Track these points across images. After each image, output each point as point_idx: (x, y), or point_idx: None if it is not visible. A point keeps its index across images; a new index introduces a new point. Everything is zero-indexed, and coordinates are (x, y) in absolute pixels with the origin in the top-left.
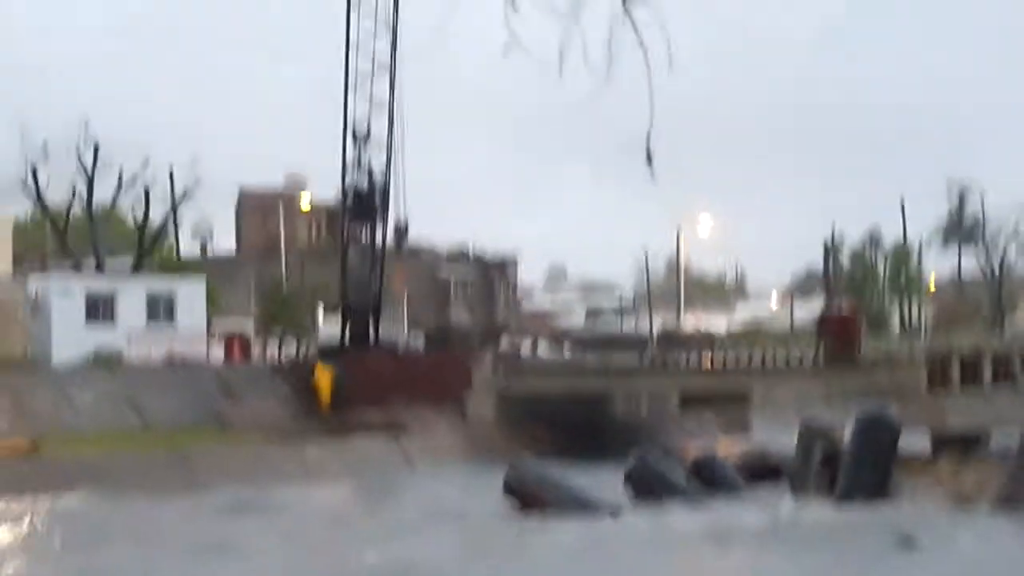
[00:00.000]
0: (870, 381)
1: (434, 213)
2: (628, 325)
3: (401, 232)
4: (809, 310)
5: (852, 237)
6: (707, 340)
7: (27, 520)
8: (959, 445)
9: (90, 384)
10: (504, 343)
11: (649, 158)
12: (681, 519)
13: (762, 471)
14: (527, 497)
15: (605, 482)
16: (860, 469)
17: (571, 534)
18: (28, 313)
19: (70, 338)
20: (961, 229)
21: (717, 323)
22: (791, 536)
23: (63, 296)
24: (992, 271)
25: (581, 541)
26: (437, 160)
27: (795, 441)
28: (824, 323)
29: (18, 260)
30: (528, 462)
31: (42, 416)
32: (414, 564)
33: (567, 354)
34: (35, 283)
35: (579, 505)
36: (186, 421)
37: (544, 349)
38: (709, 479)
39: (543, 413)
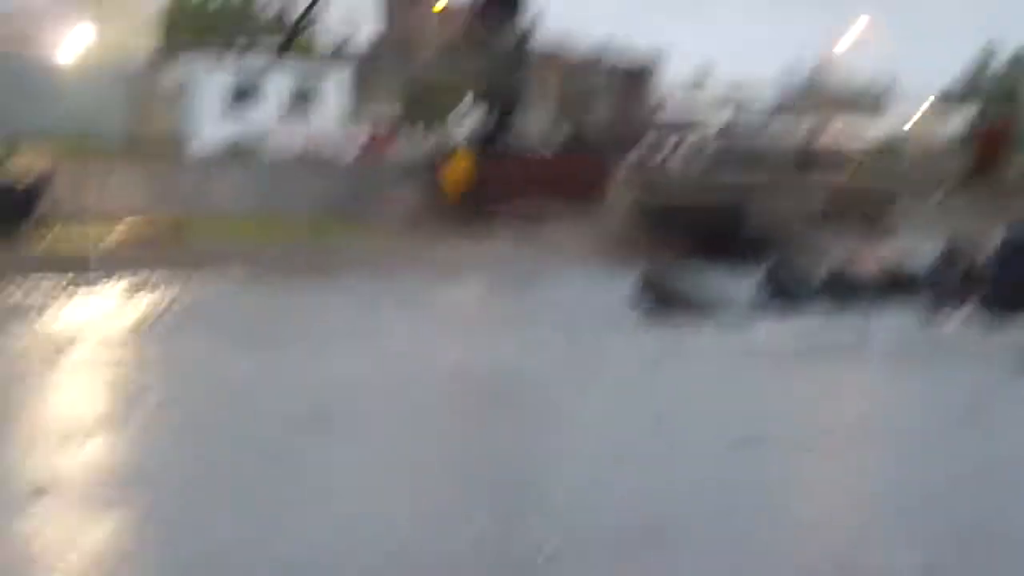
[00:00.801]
0: (1016, 200)
1: (573, 13)
2: (771, 134)
3: (531, 32)
4: (960, 122)
5: (1017, 42)
6: (851, 152)
7: (178, 295)
8: None
9: (230, 172)
10: (642, 150)
11: None
12: (812, 328)
13: (899, 286)
14: (660, 296)
15: (739, 289)
16: (1000, 288)
17: (703, 337)
18: (172, 97)
19: (213, 124)
20: None
21: (863, 132)
22: (916, 352)
23: (208, 81)
24: None
25: (712, 344)
26: None
27: (935, 257)
28: (975, 136)
29: (163, 44)
30: (663, 264)
31: (184, 200)
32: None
33: (705, 163)
34: (180, 66)
35: (711, 307)
36: (322, 213)
37: (682, 158)
38: (844, 291)
39: (678, 222)
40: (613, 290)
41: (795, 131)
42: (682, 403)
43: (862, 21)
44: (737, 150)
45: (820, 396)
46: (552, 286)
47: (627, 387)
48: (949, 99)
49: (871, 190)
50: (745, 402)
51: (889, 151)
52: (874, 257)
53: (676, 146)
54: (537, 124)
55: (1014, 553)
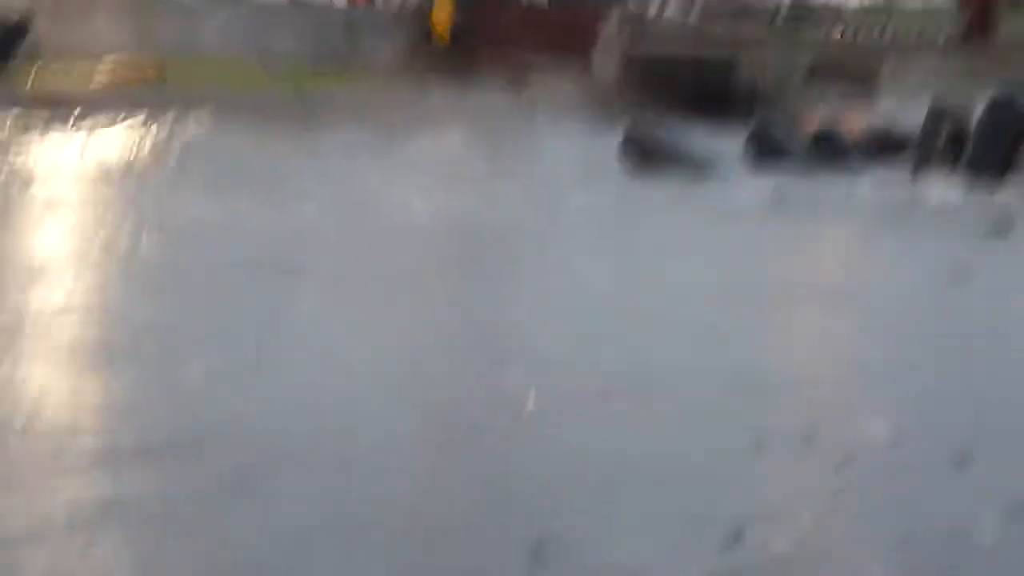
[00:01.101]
0: (1005, 64)
1: None
2: None
3: None
4: None
5: None
6: (840, 12)
7: (154, 137)
8: None
9: (217, 13)
10: (632, 3)
11: None
12: (795, 186)
13: (885, 147)
14: (644, 150)
15: (725, 145)
16: (986, 150)
17: (685, 192)
18: None
19: None
20: None
21: None
22: (897, 213)
23: None
24: None
25: (692, 200)
26: None
27: (922, 118)
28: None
29: None
30: (649, 118)
31: (168, 42)
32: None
33: (696, 18)
34: None
35: (696, 163)
36: (308, 60)
37: (673, 11)
38: (830, 150)
39: (667, 76)
40: (599, 143)
41: None
42: (655, 258)
43: None
44: (729, 3)
45: (796, 253)
46: (536, 138)
47: (600, 242)
48: None
49: (862, 49)
50: (719, 258)
51: (882, 9)
52: (862, 117)
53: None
54: None
55: (983, 417)
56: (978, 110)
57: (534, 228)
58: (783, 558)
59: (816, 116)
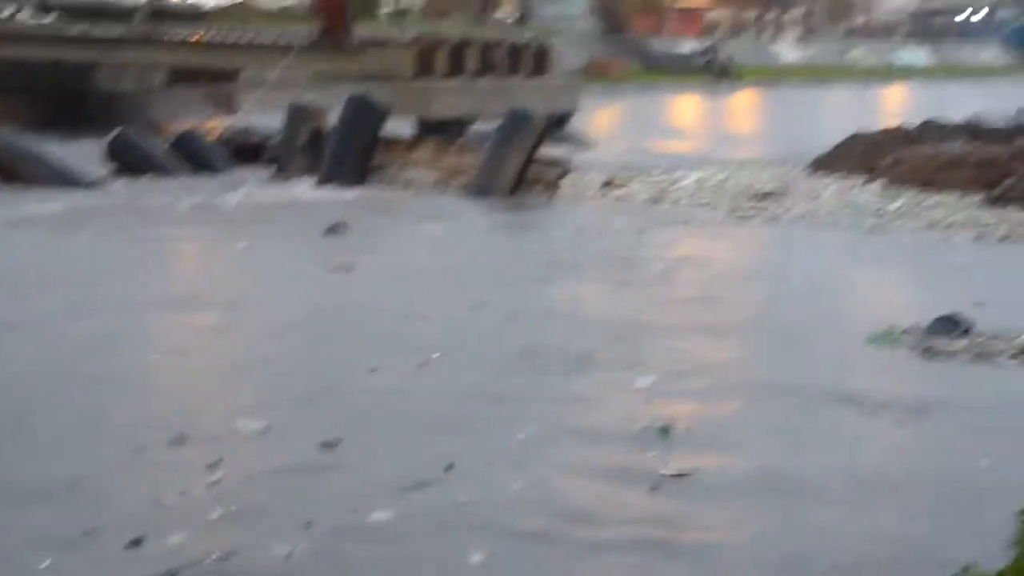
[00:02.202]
0: (360, 65)
1: None
2: None
3: None
4: None
5: None
6: (198, 14)
7: None
8: (442, 131)
9: None
10: None
11: None
12: (157, 194)
13: (246, 150)
14: (5, 170)
15: (87, 156)
16: (344, 152)
17: (52, 205)
18: None
19: None
20: None
21: None
22: (240, 216)
23: None
24: None
25: (61, 213)
26: None
27: (282, 122)
28: (316, 2)
29: None
30: (7, 133)
31: None
32: None
33: (50, 20)
34: None
35: (59, 177)
36: None
37: (27, 15)
38: (191, 156)
39: (22, 83)
40: None
41: None
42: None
43: None
44: (85, 7)
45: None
46: None
47: None
48: None
49: (221, 50)
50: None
51: (241, 11)
52: (223, 119)
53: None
54: None
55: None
56: (336, 111)
57: None
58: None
59: (176, 120)
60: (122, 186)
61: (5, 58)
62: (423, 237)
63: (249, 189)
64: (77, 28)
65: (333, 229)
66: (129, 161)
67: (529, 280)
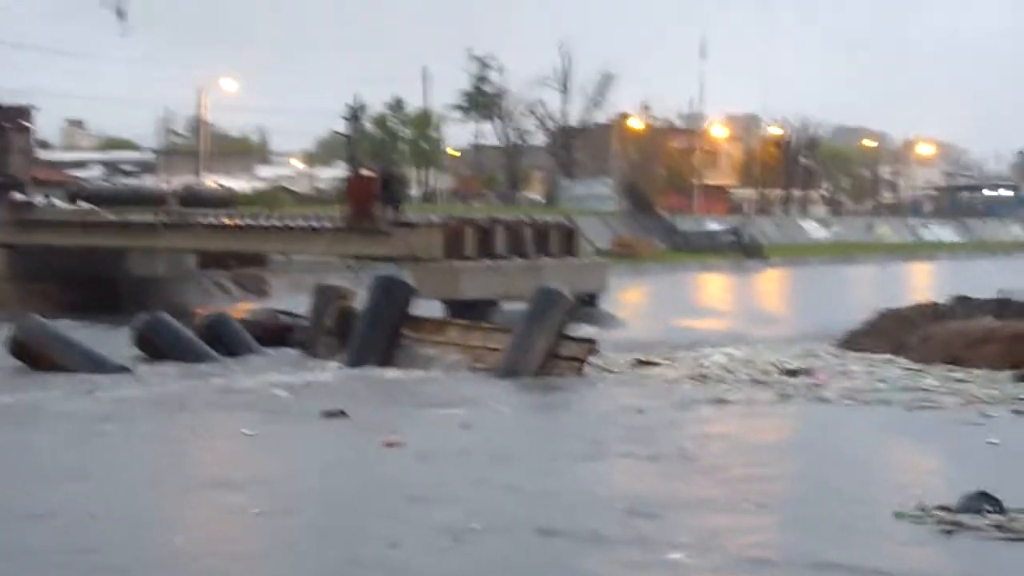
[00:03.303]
0: (389, 247)
1: None
2: (148, 182)
3: None
4: (332, 175)
5: (376, 104)
6: (228, 199)
7: None
8: (471, 311)
9: None
10: (16, 195)
11: (120, 13)
12: (187, 381)
13: (276, 333)
14: (33, 356)
15: (117, 341)
16: (372, 332)
17: (79, 391)
18: None
19: None
20: (481, 99)
21: (239, 184)
22: (267, 399)
23: None
24: (509, 141)
25: (88, 400)
26: None
27: (312, 304)
28: (348, 185)
29: None
30: (36, 319)
31: None
32: None
33: (84, 208)
34: None
35: (88, 363)
36: None
37: (60, 202)
38: (221, 340)
39: (56, 269)
40: None
41: (174, 179)
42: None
43: (232, 80)
44: (116, 194)
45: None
46: None
47: None
48: (321, 153)
49: (252, 233)
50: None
51: (266, 199)
52: (252, 306)
53: (53, 190)
54: None
55: None
56: (363, 293)
57: None
58: None
59: (206, 305)
60: (150, 371)
61: (38, 244)
62: (450, 418)
63: (276, 372)
64: (109, 214)
65: (335, 414)
66: (158, 346)
67: (557, 459)
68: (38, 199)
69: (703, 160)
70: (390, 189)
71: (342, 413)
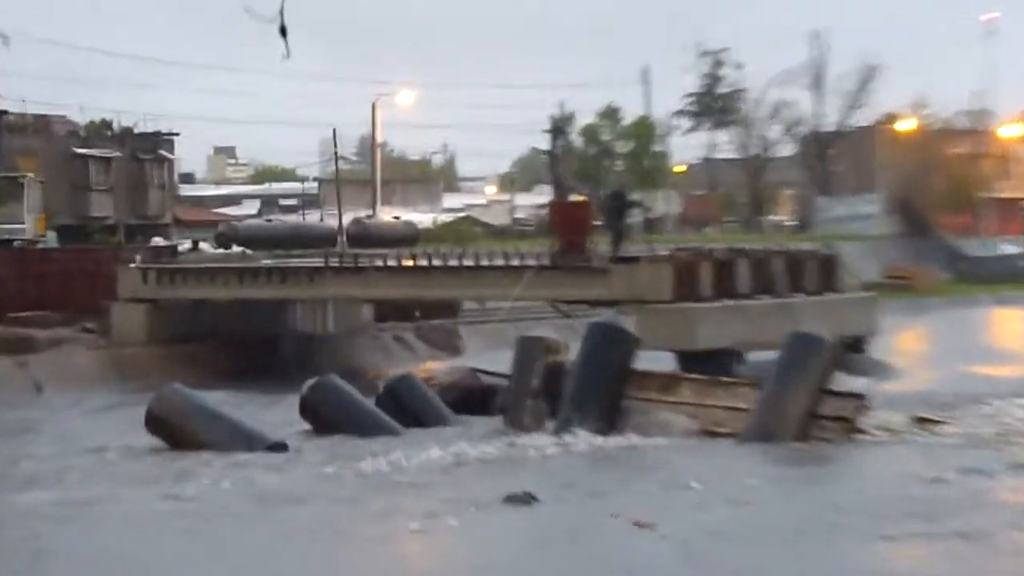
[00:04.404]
0: (606, 288)
1: (67, 80)
2: (312, 218)
3: None
4: (533, 201)
5: (585, 114)
6: (409, 236)
7: None
8: (708, 364)
9: None
10: (158, 238)
11: (283, 31)
12: (361, 460)
13: (472, 398)
14: (174, 433)
15: (277, 412)
16: (586, 393)
17: (218, 477)
18: None
19: None
20: (714, 103)
21: (421, 215)
22: (460, 478)
23: None
24: (750, 153)
25: (225, 486)
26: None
27: (512, 360)
28: (553, 212)
29: None
30: (179, 390)
31: None
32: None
33: (237, 252)
34: None
35: (237, 441)
36: None
37: (208, 246)
38: (404, 408)
39: (206, 327)
40: (116, 427)
41: (343, 212)
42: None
43: (409, 94)
44: (274, 235)
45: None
46: (45, 423)
47: None
48: (519, 175)
49: (439, 276)
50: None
51: (455, 233)
52: (443, 359)
53: (200, 231)
54: (27, 207)
55: None
56: (577, 344)
57: None
58: None
59: (387, 366)
60: (313, 448)
61: (184, 299)
62: (683, 497)
63: (467, 444)
64: (266, 260)
65: (519, 499)
66: (327, 417)
67: (824, 543)
68: (182, 244)
69: (993, 168)
70: (622, 217)
71: (532, 498)
